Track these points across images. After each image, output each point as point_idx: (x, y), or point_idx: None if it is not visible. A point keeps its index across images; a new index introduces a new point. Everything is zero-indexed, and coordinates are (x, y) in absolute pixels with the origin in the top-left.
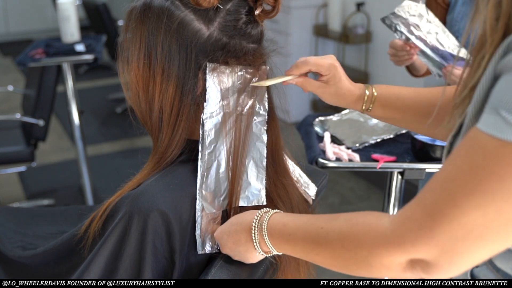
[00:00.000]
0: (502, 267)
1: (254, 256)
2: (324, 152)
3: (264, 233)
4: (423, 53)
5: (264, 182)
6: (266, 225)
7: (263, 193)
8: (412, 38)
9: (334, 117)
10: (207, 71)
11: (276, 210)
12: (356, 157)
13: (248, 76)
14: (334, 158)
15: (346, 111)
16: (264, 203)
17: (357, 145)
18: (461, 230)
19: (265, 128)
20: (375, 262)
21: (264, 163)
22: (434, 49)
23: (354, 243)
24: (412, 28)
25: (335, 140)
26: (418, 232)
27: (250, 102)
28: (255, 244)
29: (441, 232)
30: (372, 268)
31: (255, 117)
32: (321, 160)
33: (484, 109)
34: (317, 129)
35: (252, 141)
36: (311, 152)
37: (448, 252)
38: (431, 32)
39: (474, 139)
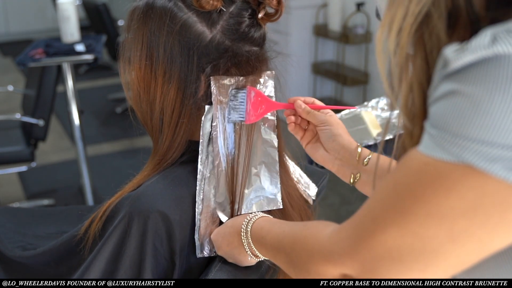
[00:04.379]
0: None
1: (247, 259)
2: None
3: (249, 236)
4: None
5: (279, 186)
6: (250, 228)
7: (279, 197)
8: None
9: None
10: (211, 81)
11: (264, 214)
12: None
13: (249, 84)
14: None
15: (347, 111)
16: (281, 207)
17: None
18: (379, 248)
19: (275, 133)
20: (312, 270)
21: (277, 168)
22: None
23: (300, 246)
24: None
25: None
26: (345, 243)
27: None
28: (245, 247)
29: (362, 247)
30: (310, 275)
31: (263, 123)
32: None
33: None
34: None
35: (263, 147)
36: None
37: (368, 270)
38: None
39: (405, 157)
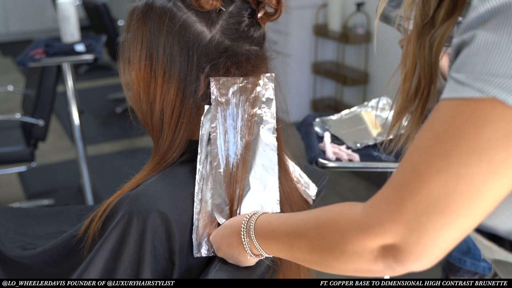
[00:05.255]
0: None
1: (247, 259)
2: (324, 152)
3: (252, 234)
4: None
5: (277, 189)
6: (254, 226)
7: (277, 201)
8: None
9: (334, 117)
10: (210, 82)
11: (264, 212)
12: (356, 157)
13: (250, 85)
14: (334, 158)
15: (346, 111)
16: (278, 211)
17: (358, 145)
18: (424, 202)
19: (275, 135)
20: (347, 249)
21: (276, 170)
22: None
23: (328, 229)
24: (396, 13)
25: (335, 140)
26: (385, 210)
27: (254, 110)
28: (245, 247)
29: (406, 207)
30: (344, 256)
31: (262, 125)
32: (321, 160)
33: None
34: (317, 129)
35: (262, 149)
36: (311, 152)
37: (414, 230)
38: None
39: (434, 110)
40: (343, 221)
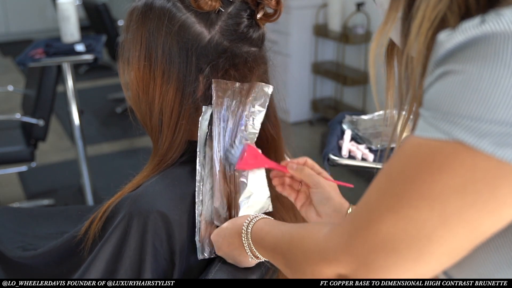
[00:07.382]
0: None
1: (247, 260)
2: (340, 149)
3: (249, 238)
4: None
5: (267, 189)
6: (251, 230)
7: (269, 200)
8: None
9: (366, 117)
10: (212, 84)
11: (264, 216)
12: (371, 157)
13: (244, 91)
14: (347, 156)
15: (380, 111)
16: (271, 209)
17: (378, 145)
18: (374, 238)
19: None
20: (307, 271)
21: (263, 169)
22: None
23: (297, 246)
24: None
25: (359, 139)
26: (339, 241)
27: (242, 116)
28: (246, 249)
29: (356, 241)
30: (306, 277)
31: (246, 132)
32: (331, 156)
33: None
34: (345, 126)
35: None
36: (326, 148)
37: (363, 265)
38: None
39: (400, 146)
40: (308, 241)
